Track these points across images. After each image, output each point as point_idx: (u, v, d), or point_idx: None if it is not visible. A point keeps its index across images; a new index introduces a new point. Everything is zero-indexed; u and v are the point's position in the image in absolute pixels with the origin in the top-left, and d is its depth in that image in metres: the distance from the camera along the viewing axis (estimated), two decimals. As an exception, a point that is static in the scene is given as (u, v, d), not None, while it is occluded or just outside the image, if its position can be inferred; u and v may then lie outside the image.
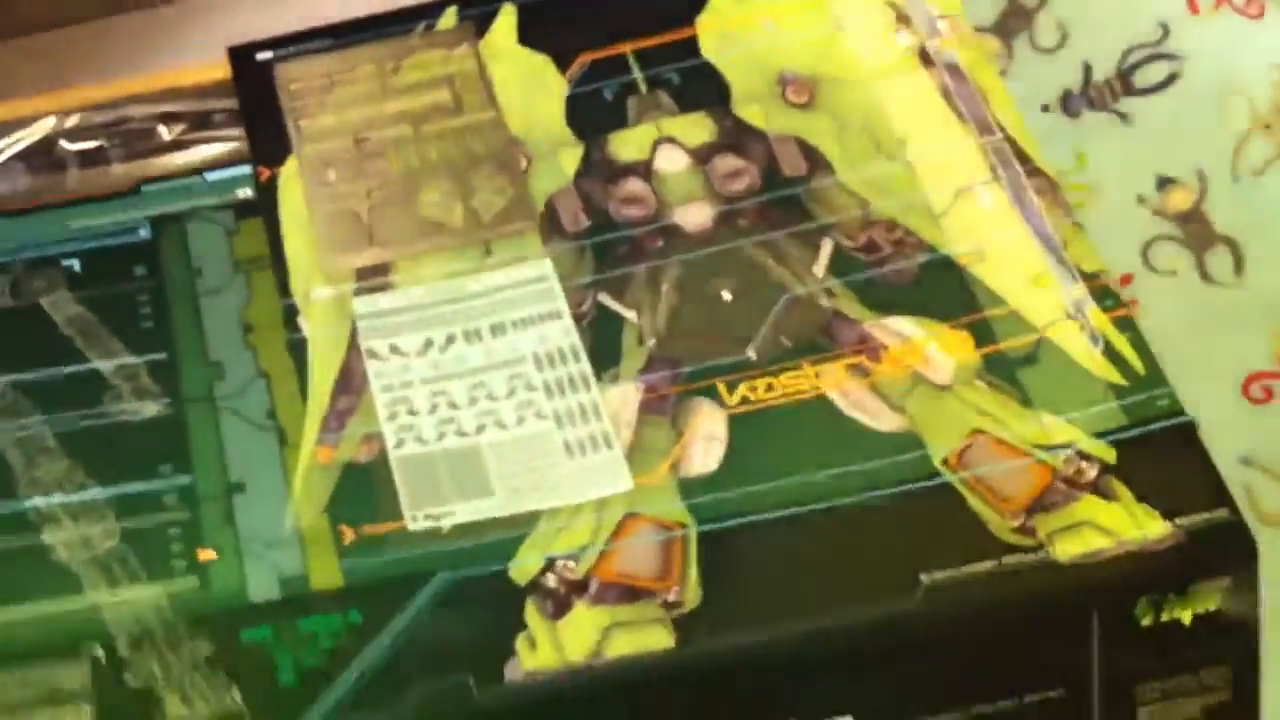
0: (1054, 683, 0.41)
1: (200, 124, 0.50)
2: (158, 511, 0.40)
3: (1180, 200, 0.58)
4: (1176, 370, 0.55)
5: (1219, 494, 0.43)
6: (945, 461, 0.43)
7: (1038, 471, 0.43)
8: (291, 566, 0.40)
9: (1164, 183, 0.58)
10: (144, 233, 0.46)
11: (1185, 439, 0.44)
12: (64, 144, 0.50)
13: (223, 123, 0.51)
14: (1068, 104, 0.60)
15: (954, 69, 0.51)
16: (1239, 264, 0.57)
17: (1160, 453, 0.43)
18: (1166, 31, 0.59)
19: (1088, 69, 0.60)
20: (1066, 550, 0.41)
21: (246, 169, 0.48)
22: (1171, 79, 0.59)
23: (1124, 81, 0.59)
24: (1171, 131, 0.59)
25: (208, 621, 0.39)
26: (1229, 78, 0.58)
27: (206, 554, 0.39)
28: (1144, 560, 0.41)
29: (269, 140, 0.49)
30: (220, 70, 0.52)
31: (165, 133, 0.50)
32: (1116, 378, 0.45)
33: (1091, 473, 0.43)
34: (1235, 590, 0.42)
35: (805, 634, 0.39)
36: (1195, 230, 0.58)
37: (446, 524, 0.41)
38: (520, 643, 0.39)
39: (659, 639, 0.39)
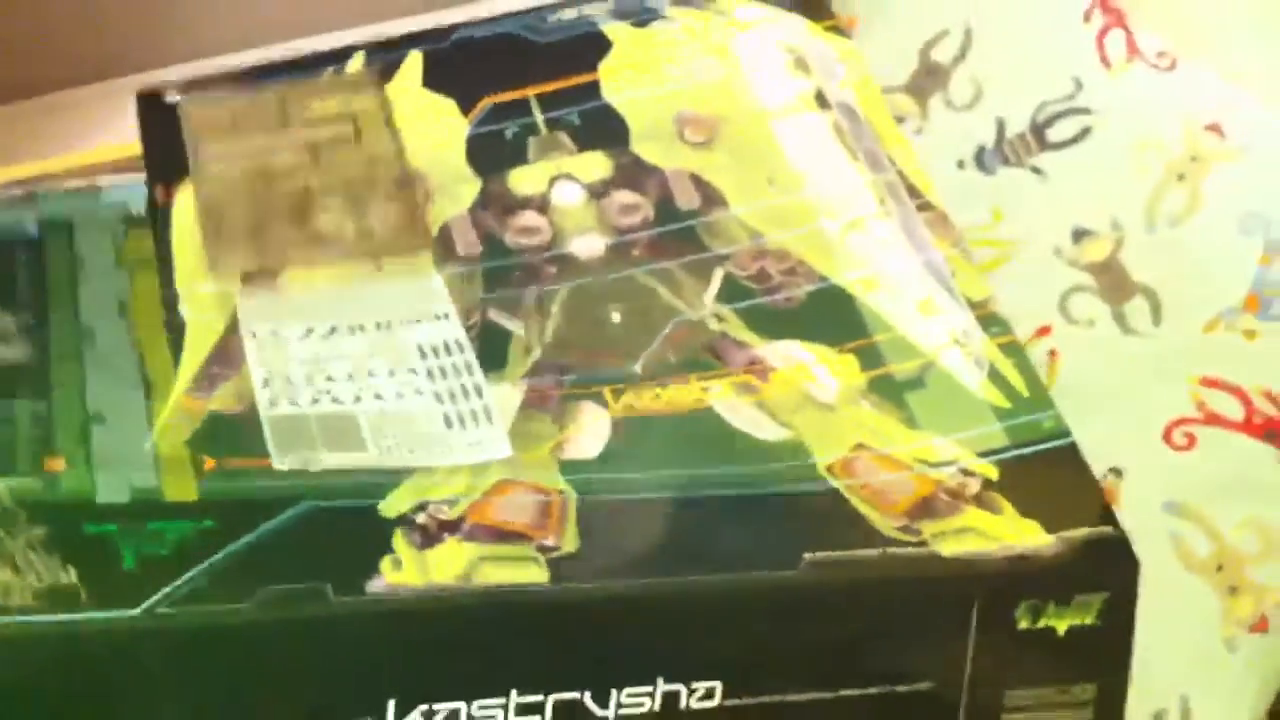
0: (925, 676, 0.40)
1: None
2: (9, 428, 0.39)
3: (1096, 251, 0.58)
4: (1098, 419, 0.55)
5: (1103, 512, 0.42)
6: (830, 469, 0.43)
7: (921, 482, 0.43)
8: (144, 481, 0.39)
9: (1080, 234, 0.58)
10: (31, 229, 0.46)
11: (1069, 459, 0.44)
12: None
13: None
14: (983, 160, 0.61)
15: (848, 109, 0.52)
16: (1157, 313, 0.57)
17: (1044, 472, 0.44)
18: (1080, 86, 0.60)
19: (1001, 125, 0.60)
20: (950, 548, 0.40)
21: (141, 185, 0.48)
22: (1085, 133, 0.60)
23: (1038, 137, 0.60)
24: (1086, 184, 0.59)
25: (49, 511, 0.38)
26: (1142, 130, 0.58)
27: (55, 463, 0.39)
28: (1027, 563, 0.41)
29: (166, 162, 0.49)
30: (124, 148, 0.53)
31: None
32: (1000, 400, 0.45)
33: (975, 487, 0.42)
34: (1113, 607, 0.41)
35: (681, 589, 0.39)
36: (1112, 281, 0.58)
37: (314, 468, 0.40)
38: (385, 563, 0.38)
39: (532, 574, 0.38)
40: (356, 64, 0.53)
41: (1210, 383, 0.55)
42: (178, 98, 0.52)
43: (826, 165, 0.51)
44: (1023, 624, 0.41)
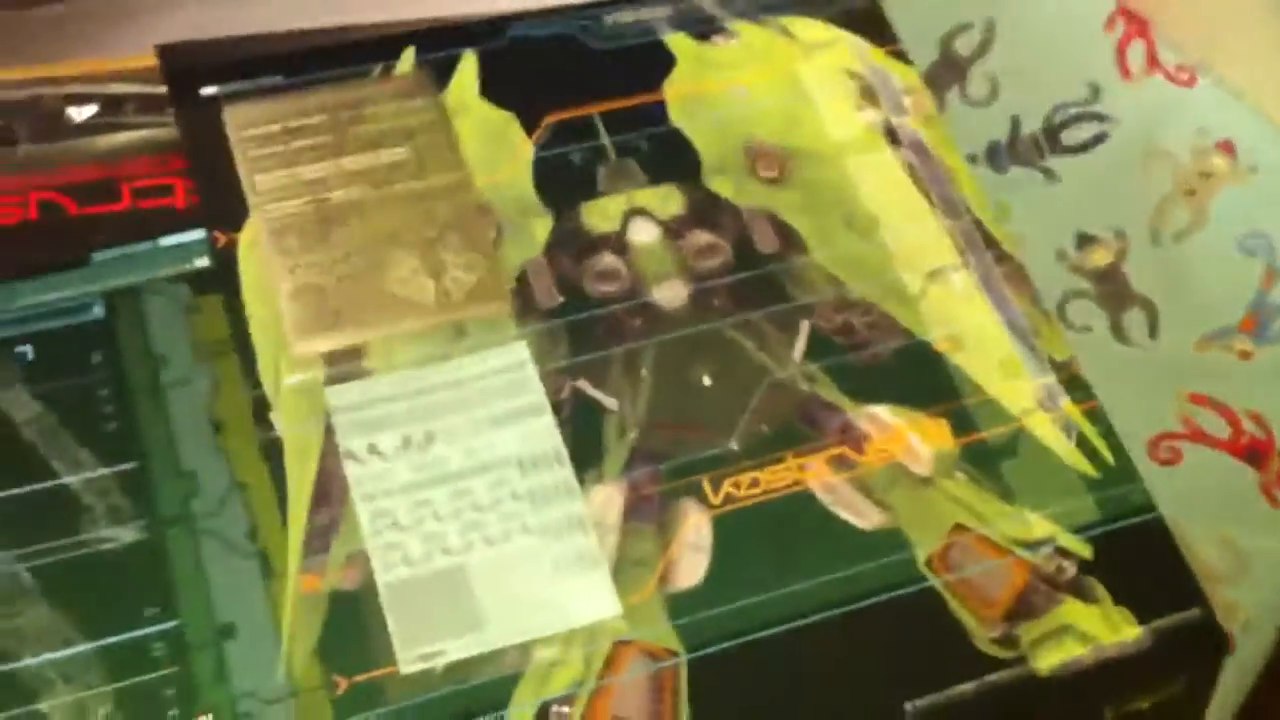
0: None
1: (111, 108, 0.47)
2: (149, 669, 0.38)
3: (1099, 258, 0.59)
4: None
5: (1191, 592, 0.44)
6: (929, 563, 0.43)
7: (1018, 571, 0.43)
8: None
9: (1084, 240, 0.59)
10: (98, 310, 0.43)
11: (1157, 535, 0.45)
12: None
13: (134, 110, 0.48)
14: (994, 157, 0.61)
15: (919, 147, 0.51)
16: (1153, 326, 0.58)
17: (1133, 550, 0.45)
18: (1097, 93, 0.59)
19: (1016, 123, 0.60)
20: (1046, 661, 0.42)
21: (201, 234, 0.46)
22: (1098, 139, 0.60)
23: (1051, 138, 0.60)
24: (1095, 190, 0.59)
25: None
26: (1155, 142, 0.58)
27: None
28: (1118, 666, 0.42)
29: (224, 200, 0.46)
30: (136, 59, 0.49)
31: (75, 115, 0.47)
32: (1089, 470, 0.45)
33: (1070, 571, 0.43)
34: (1197, 681, 0.43)
35: None
36: (1112, 289, 0.58)
37: (439, 664, 0.40)
38: None
39: None
40: (406, 63, 0.50)
41: (1199, 400, 0.56)
42: (214, 90, 0.49)
43: (902, 209, 0.50)
44: (1108, 717, 0.43)
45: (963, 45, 0.61)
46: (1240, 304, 0.56)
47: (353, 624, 0.40)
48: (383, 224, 0.46)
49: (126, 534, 0.39)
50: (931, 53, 0.61)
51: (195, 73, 0.48)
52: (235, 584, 0.40)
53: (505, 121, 0.49)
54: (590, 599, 0.41)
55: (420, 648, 0.40)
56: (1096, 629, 0.43)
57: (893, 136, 0.51)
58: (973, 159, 0.61)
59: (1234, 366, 0.56)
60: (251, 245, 0.45)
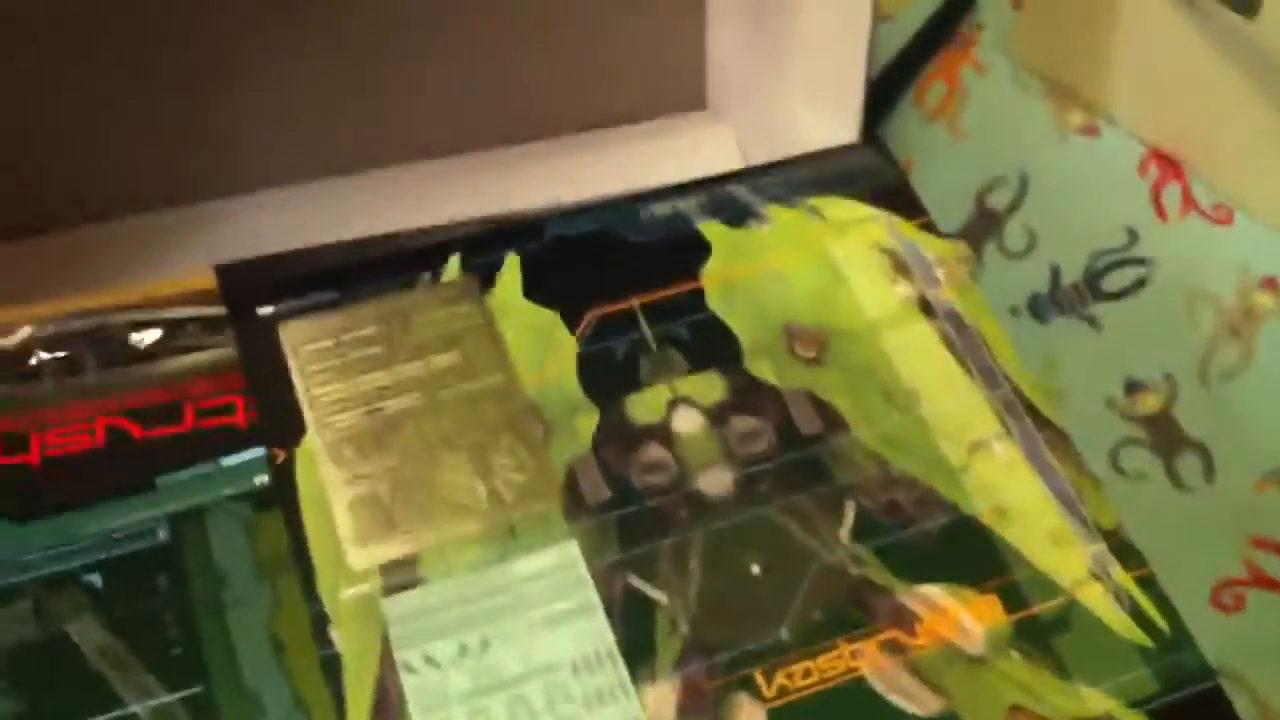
0: None
1: (172, 332, 0.49)
2: None
3: (1149, 404, 0.58)
4: None
5: None
6: (983, 750, 0.43)
7: (1073, 763, 0.43)
8: None
9: (1133, 387, 0.58)
10: (163, 535, 0.45)
11: (1217, 701, 0.44)
12: (40, 354, 0.49)
13: (195, 331, 0.50)
14: (1036, 307, 0.61)
15: (955, 318, 0.52)
16: (1209, 469, 0.57)
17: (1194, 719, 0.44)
18: (1135, 237, 0.60)
19: (1056, 273, 0.60)
20: None
21: (261, 451, 0.47)
22: (1140, 284, 0.60)
23: (1092, 286, 0.60)
24: (1140, 336, 0.59)
25: None
26: (1197, 283, 0.58)
27: None
28: None
29: (281, 416, 0.48)
30: (196, 280, 0.52)
31: (138, 340, 0.49)
32: (1145, 640, 0.45)
33: None
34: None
35: None
36: (1164, 434, 0.58)
37: None
38: None
39: None
40: (453, 270, 0.52)
41: (1260, 543, 0.55)
42: (270, 309, 0.51)
43: (940, 381, 0.51)
44: None
45: (997, 199, 0.62)
46: None
47: None
48: (434, 429, 0.48)
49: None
50: (967, 208, 0.62)
51: (251, 292, 0.50)
52: None
53: (549, 319, 0.51)
54: None
55: None
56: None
57: (927, 308, 0.52)
58: (1015, 311, 0.61)
59: None
60: (309, 459, 0.47)
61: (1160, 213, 0.59)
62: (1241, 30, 0.55)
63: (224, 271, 0.52)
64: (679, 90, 0.65)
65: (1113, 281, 0.60)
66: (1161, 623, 0.46)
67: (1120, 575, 0.47)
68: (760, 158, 0.62)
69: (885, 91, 0.63)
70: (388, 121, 0.60)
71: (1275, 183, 0.58)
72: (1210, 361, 0.57)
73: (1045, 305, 0.61)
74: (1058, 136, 0.61)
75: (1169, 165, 0.60)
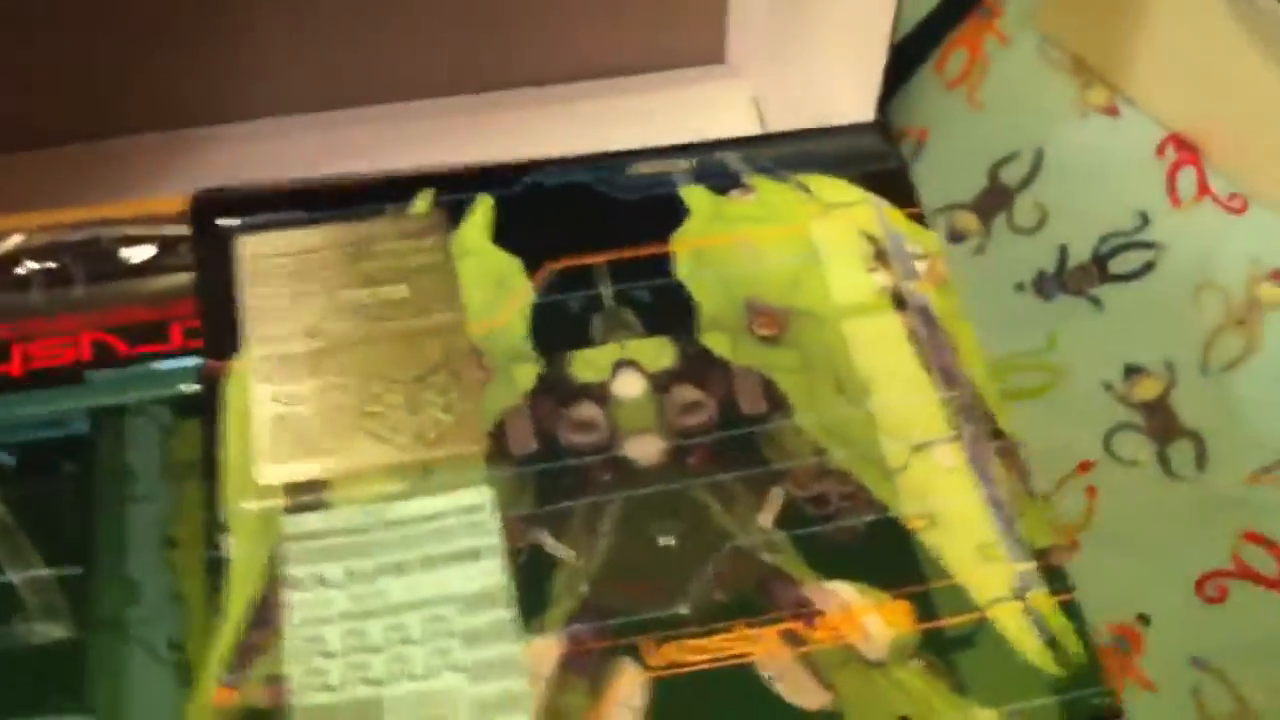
0: None
1: (166, 250, 0.50)
2: None
3: (1147, 390, 0.57)
4: (1131, 562, 0.55)
5: None
6: (866, 751, 0.42)
7: (959, 776, 0.42)
8: None
9: (1132, 371, 0.58)
10: (81, 425, 0.45)
11: None
12: (29, 263, 0.49)
13: (189, 250, 0.50)
14: (1042, 285, 0.60)
15: (926, 314, 0.50)
16: (1201, 459, 0.56)
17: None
18: (1146, 221, 0.59)
19: (1064, 252, 0.59)
20: None
21: (195, 360, 0.47)
22: (1147, 268, 0.59)
23: (1100, 267, 0.59)
24: (1143, 320, 0.58)
25: None
26: (1205, 271, 0.57)
27: None
28: None
29: (223, 328, 0.48)
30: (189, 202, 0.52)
31: (130, 256, 0.49)
32: (1054, 669, 0.44)
33: None
34: None
35: None
36: (1160, 421, 0.57)
37: None
38: None
39: None
40: (423, 204, 0.52)
41: (1249, 536, 0.54)
42: (234, 222, 0.51)
43: (897, 376, 0.49)
44: None
45: (1011, 173, 0.60)
46: None
47: None
48: (371, 359, 0.48)
49: (55, 631, 0.41)
50: (980, 181, 0.61)
51: (215, 206, 0.50)
52: (150, 690, 0.41)
53: (509, 266, 0.50)
54: None
55: None
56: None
57: (900, 301, 0.51)
58: (1020, 288, 0.60)
59: None
60: (240, 374, 0.47)
61: (1174, 198, 0.58)
62: (1271, 16, 0.53)
63: (200, 194, 0.52)
64: (698, 42, 0.63)
65: (1120, 264, 0.59)
66: (1078, 654, 0.44)
67: (1041, 600, 0.45)
68: (776, 116, 0.61)
69: (907, 57, 0.61)
70: (394, 57, 0.60)
71: None
72: (1212, 351, 0.56)
73: (1051, 283, 0.59)
74: (1077, 114, 0.60)
75: (1186, 150, 0.58)
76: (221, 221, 0.50)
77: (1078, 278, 0.60)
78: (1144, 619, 0.55)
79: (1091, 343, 0.59)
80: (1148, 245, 0.59)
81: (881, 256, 0.52)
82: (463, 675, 0.42)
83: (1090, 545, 0.57)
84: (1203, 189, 0.59)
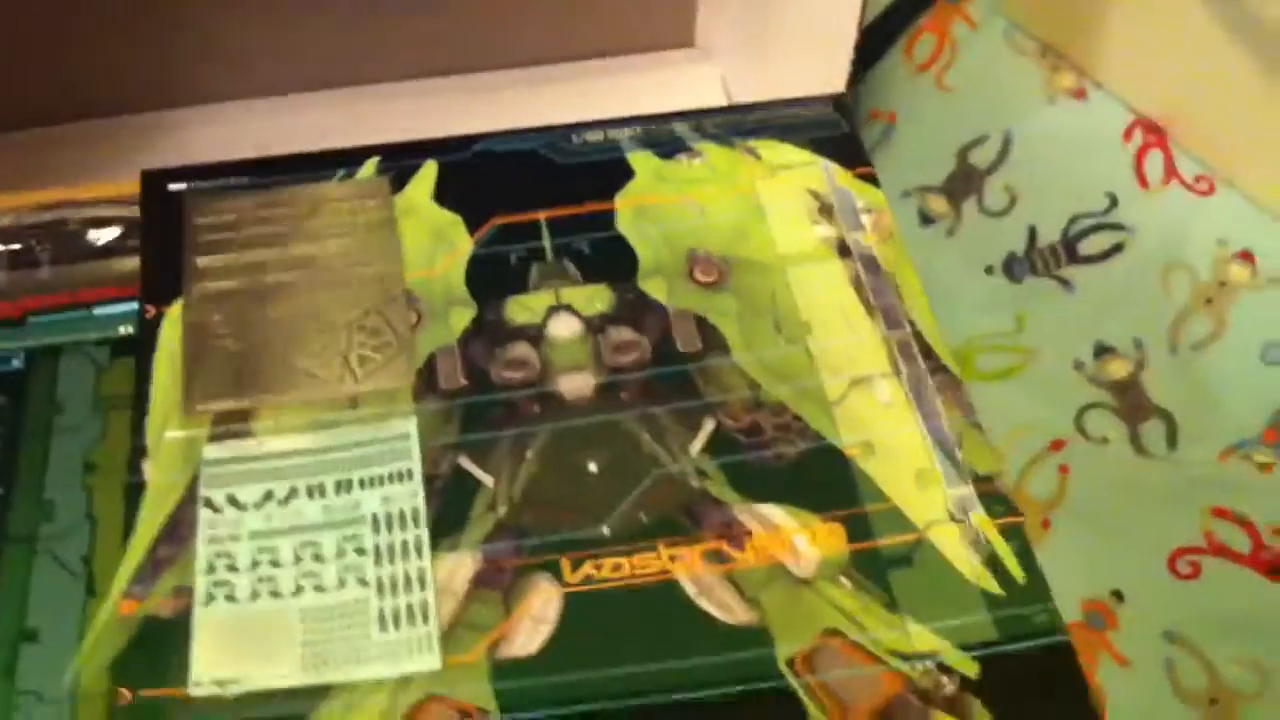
0: None
1: (133, 230, 0.50)
2: None
3: (1117, 369, 0.57)
4: (1104, 540, 0.53)
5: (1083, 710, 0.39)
6: (790, 663, 0.40)
7: (889, 681, 0.40)
8: None
9: (1102, 351, 0.57)
10: (16, 363, 0.46)
11: (1061, 660, 0.41)
12: None
13: None
14: (1011, 267, 0.60)
15: (870, 261, 0.50)
16: (1172, 437, 0.55)
17: (1030, 673, 0.40)
18: (1114, 203, 0.58)
19: (1033, 234, 0.59)
20: None
21: (135, 305, 0.48)
22: (1116, 249, 0.58)
23: (1069, 249, 0.58)
24: (1113, 301, 0.58)
25: None
26: (1174, 252, 0.57)
27: None
28: None
29: (163, 275, 0.48)
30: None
31: (96, 237, 0.50)
32: (993, 587, 0.42)
33: (950, 688, 0.40)
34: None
35: None
36: (1130, 400, 0.57)
37: (232, 692, 0.39)
38: None
39: None
40: (369, 169, 0.52)
41: (1220, 513, 0.53)
42: (183, 186, 0.51)
43: (838, 316, 0.48)
44: None
45: (979, 157, 0.60)
46: (1261, 415, 0.54)
47: (157, 645, 0.40)
48: (307, 304, 0.48)
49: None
50: (949, 164, 0.61)
51: (170, 174, 0.51)
52: (55, 598, 0.41)
53: (450, 221, 0.51)
54: (409, 653, 0.39)
55: (217, 673, 0.39)
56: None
57: (844, 251, 0.50)
58: (990, 270, 0.60)
59: (1256, 479, 0.54)
60: (178, 319, 0.47)
61: (1142, 180, 0.58)
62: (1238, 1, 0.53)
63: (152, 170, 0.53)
64: (668, 25, 0.63)
65: (1089, 245, 0.59)
66: (1017, 573, 0.42)
67: (981, 520, 0.43)
68: (745, 99, 0.61)
69: (875, 40, 0.62)
70: (357, 41, 0.61)
71: (1259, 155, 0.55)
72: (1181, 331, 0.56)
73: (1020, 265, 0.59)
74: (1045, 97, 0.60)
75: (1154, 133, 0.58)
76: (172, 186, 0.51)
77: (1047, 259, 0.59)
78: (1117, 595, 0.54)
79: (1061, 323, 0.59)
80: (1116, 227, 0.59)
81: (826, 210, 0.51)
82: (371, 589, 0.41)
83: (1063, 523, 0.55)
84: (1170, 171, 0.59)
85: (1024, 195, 0.60)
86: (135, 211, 0.51)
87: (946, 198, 0.60)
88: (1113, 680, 0.52)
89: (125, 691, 0.39)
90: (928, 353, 0.47)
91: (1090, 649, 0.53)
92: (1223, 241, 0.55)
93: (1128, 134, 0.59)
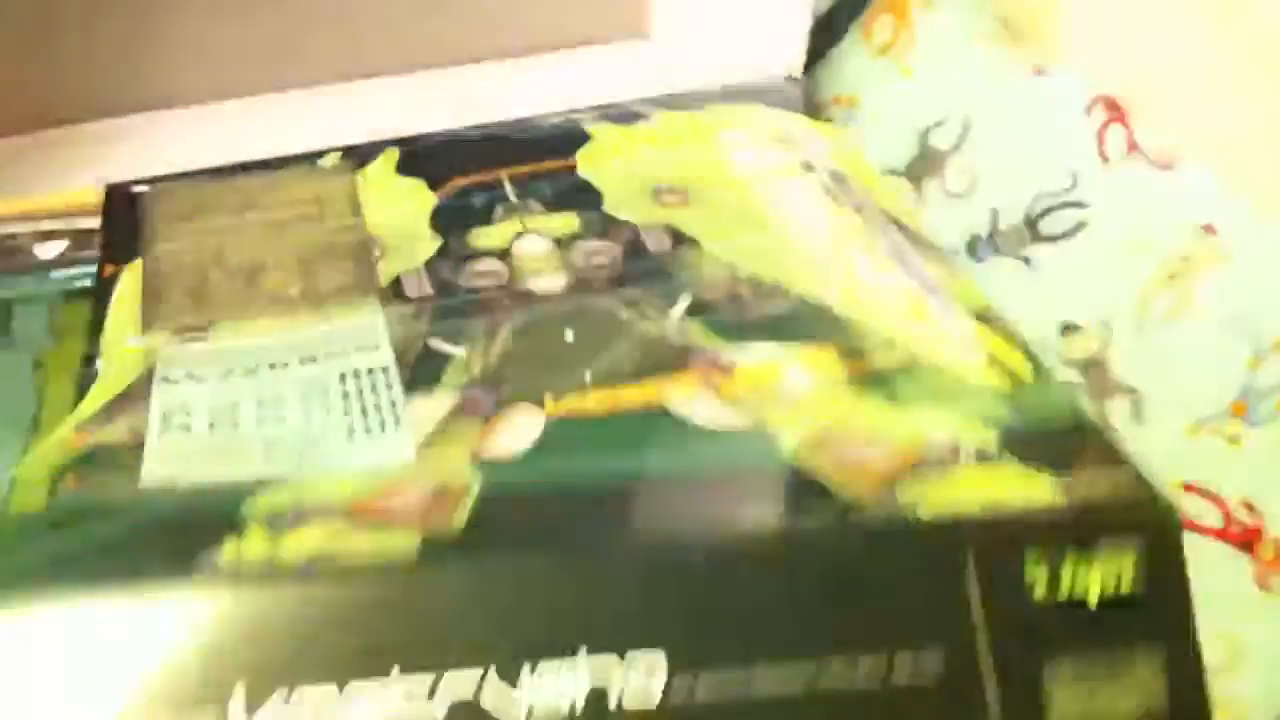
0: (929, 644, 0.33)
1: (79, 244, 0.49)
2: None
3: (1082, 347, 0.56)
4: None
5: (1122, 461, 0.36)
6: (795, 450, 0.37)
7: (903, 451, 0.37)
8: None
9: (1067, 329, 0.56)
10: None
11: (1084, 423, 0.38)
12: None
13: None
14: (975, 249, 0.59)
15: (836, 174, 0.50)
16: (1139, 414, 0.54)
17: (1054, 437, 0.37)
18: (1076, 180, 0.58)
19: (995, 214, 0.58)
20: (929, 510, 0.34)
21: (91, 265, 0.47)
22: (1079, 227, 0.58)
23: (1031, 228, 0.58)
24: (1077, 279, 0.57)
25: None
26: (1137, 227, 0.56)
27: None
28: (1022, 515, 0.34)
29: (122, 242, 0.48)
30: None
31: (42, 252, 0.49)
32: (1003, 382, 0.39)
33: (970, 450, 0.37)
34: (1152, 563, 0.34)
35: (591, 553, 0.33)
36: (1096, 378, 0.56)
37: (184, 483, 0.36)
38: (229, 545, 0.32)
39: (399, 542, 0.32)
40: (332, 159, 0.52)
41: (1189, 488, 0.52)
42: (145, 189, 0.51)
43: (810, 212, 0.48)
44: (1039, 592, 0.34)
45: (940, 139, 0.60)
46: (1229, 388, 0.53)
47: (104, 461, 0.36)
48: (268, 249, 0.47)
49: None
50: (910, 147, 0.61)
51: (131, 186, 0.52)
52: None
53: (413, 185, 0.51)
54: (381, 448, 0.36)
55: (168, 470, 0.36)
56: (993, 489, 0.35)
57: (808, 168, 0.50)
58: (953, 252, 0.59)
59: (1224, 452, 0.52)
60: (138, 270, 0.46)
61: (1103, 155, 0.58)
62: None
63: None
64: (621, 15, 0.63)
65: (1052, 224, 0.58)
66: (1023, 370, 0.40)
67: (980, 333, 0.41)
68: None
69: (832, 24, 0.63)
70: (309, 39, 0.60)
71: (1219, 128, 0.56)
72: (1147, 306, 0.55)
73: (984, 247, 0.59)
74: (1005, 76, 0.61)
75: (1114, 108, 0.58)
76: (135, 189, 0.51)
77: (1010, 239, 0.59)
78: None
79: (1026, 302, 0.58)
80: (1079, 205, 0.59)
81: (787, 141, 0.52)
82: (338, 414, 0.38)
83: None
84: (1131, 146, 0.59)
85: (985, 176, 0.60)
86: (80, 224, 0.51)
87: (909, 181, 0.60)
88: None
89: (71, 477, 0.35)
90: (899, 225, 0.46)
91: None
92: (1186, 215, 0.56)
93: (1088, 109, 0.59)
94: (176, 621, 0.31)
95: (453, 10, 0.60)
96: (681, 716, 0.32)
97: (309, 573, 0.31)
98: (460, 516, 0.34)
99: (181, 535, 0.33)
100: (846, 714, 0.33)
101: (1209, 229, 0.55)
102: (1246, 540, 0.52)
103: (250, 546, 0.32)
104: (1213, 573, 0.50)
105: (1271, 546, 0.52)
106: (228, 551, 0.32)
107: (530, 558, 0.32)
